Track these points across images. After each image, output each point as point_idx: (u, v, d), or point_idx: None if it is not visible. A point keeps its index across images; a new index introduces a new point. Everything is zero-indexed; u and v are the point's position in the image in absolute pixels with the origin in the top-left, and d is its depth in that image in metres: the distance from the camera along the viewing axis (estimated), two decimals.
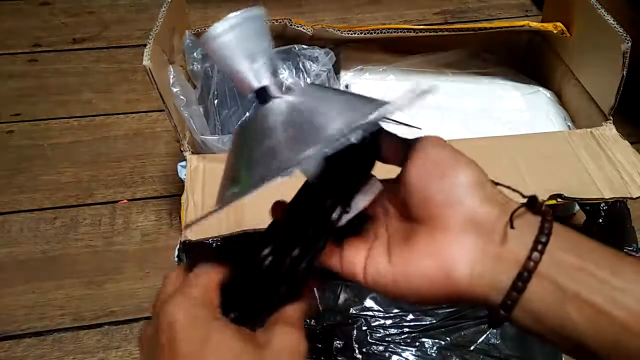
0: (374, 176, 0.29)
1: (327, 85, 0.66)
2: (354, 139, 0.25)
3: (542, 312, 0.23)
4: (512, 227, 0.24)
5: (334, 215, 0.27)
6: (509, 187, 0.27)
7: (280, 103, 0.27)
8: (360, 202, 0.28)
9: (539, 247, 0.23)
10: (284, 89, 0.29)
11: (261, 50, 0.28)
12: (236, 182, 0.26)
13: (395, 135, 0.29)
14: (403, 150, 0.28)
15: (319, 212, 0.27)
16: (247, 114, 0.64)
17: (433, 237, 0.25)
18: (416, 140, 0.28)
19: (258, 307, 0.27)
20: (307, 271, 0.27)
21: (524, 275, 0.23)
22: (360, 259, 0.28)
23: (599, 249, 0.24)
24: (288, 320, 0.27)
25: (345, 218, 0.27)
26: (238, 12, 0.27)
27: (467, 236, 0.25)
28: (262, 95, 0.27)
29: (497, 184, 0.27)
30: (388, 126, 0.29)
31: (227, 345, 0.24)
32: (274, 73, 0.29)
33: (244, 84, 0.28)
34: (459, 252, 0.25)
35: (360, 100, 0.27)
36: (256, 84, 0.27)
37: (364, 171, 0.29)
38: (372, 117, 0.24)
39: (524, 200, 0.25)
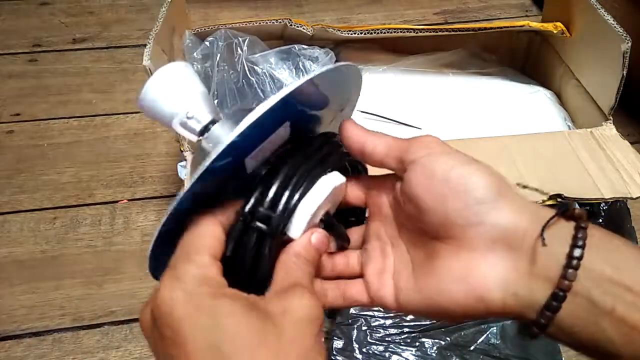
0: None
1: None
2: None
3: (577, 328, 0.22)
4: (544, 244, 0.22)
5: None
6: (536, 190, 0.27)
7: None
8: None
9: (574, 262, 0.22)
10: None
11: (183, 103, 0.30)
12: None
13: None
14: (394, 155, 0.27)
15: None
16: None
17: (458, 258, 0.24)
18: (410, 145, 0.27)
19: (252, 270, 0.26)
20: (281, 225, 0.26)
21: (559, 295, 0.22)
22: (388, 290, 0.27)
23: (634, 255, 0.22)
24: (299, 284, 0.25)
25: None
26: (156, 73, 0.29)
27: (495, 255, 0.23)
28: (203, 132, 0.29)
29: (519, 185, 0.26)
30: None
31: (242, 325, 0.21)
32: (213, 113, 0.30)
33: (190, 130, 0.30)
34: (489, 274, 0.23)
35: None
36: (192, 136, 0.29)
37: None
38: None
39: (548, 202, 0.24)
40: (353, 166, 0.31)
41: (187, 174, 0.55)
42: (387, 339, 0.56)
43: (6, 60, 0.91)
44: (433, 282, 0.25)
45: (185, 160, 0.56)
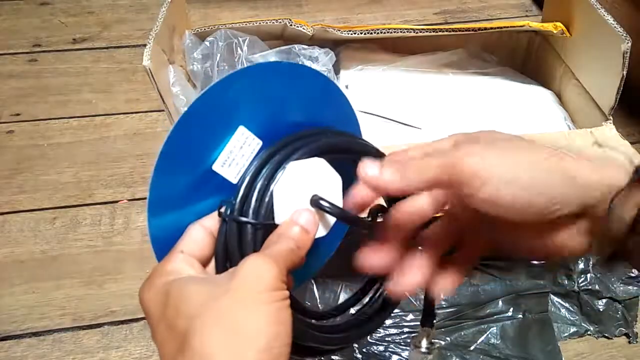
0: None
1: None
2: None
3: None
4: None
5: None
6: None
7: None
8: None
9: None
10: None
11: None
12: None
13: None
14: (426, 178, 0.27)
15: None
16: None
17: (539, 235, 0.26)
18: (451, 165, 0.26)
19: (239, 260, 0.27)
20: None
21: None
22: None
23: None
24: (267, 253, 0.27)
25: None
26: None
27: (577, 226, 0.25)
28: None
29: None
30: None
31: (189, 292, 0.25)
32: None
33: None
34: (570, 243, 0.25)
35: None
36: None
37: None
38: None
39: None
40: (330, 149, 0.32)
41: None
42: (387, 339, 0.56)
43: (6, 60, 0.91)
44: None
45: None
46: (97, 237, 0.66)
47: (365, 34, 0.65)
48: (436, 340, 0.56)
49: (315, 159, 0.29)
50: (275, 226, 0.28)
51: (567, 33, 0.64)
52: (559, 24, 0.64)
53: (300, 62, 0.65)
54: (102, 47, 0.94)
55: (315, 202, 0.29)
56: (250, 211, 0.28)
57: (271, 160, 0.29)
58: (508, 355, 0.55)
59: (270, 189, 0.28)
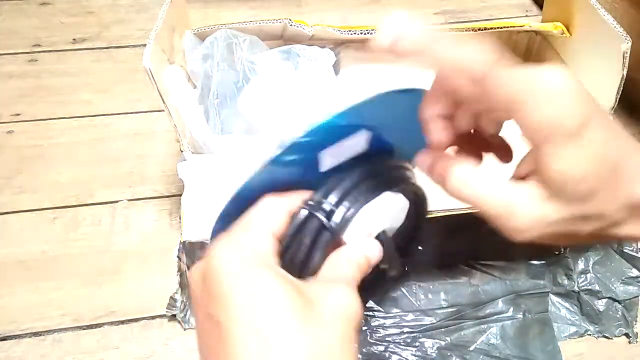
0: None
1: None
2: None
3: None
4: None
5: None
6: None
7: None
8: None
9: None
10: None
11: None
12: None
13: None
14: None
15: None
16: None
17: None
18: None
19: (305, 259, 0.28)
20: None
21: None
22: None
23: None
24: (344, 278, 0.26)
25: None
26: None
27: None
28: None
29: None
30: None
31: (282, 303, 0.22)
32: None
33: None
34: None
35: None
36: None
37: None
38: None
39: None
40: (415, 196, 0.31)
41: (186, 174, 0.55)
42: (387, 339, 0.56)
43: (6, 60, 0.91)
44: None
45: (185, 160, 0.56)
46: (97, 237, 0.66)
47: (365, 34, 0.65)
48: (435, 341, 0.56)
49: (401, 195, 0.30)
50: (340, 241, 0.28)
51: (567, 33, 0.64)
52: (559, 24, 0.64)
53: (300, 62, 0.65)
54: (102, 47, 0.94)
55: (383, 240, 0.29)
56: (334, 218, 0.27)
57: (373, 179, 0.28)
58: (508, 355, 0.55)
59: (361, 207, 0.28)
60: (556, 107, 0.22)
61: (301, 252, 0.27)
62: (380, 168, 0.29)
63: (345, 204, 0.28)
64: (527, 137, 0.23)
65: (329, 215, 0.27)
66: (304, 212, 0.27)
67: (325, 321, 0.23)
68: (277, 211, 0.27)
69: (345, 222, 0.28)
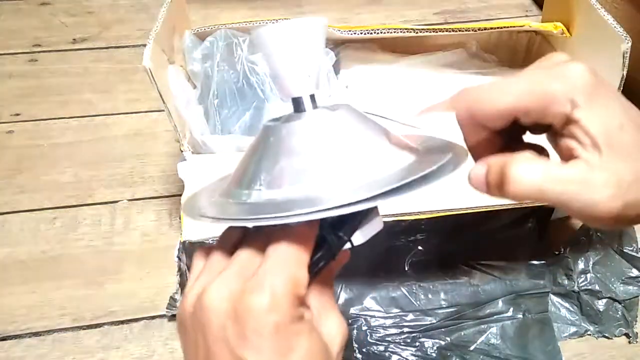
0: (379, 213, 0.29)
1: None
2: (375, 203, 0.25)
3: None
4: None
5: (335, 247, 0.28)
6: None
7: (315, 121, 0.27)
8: (360, 238, 0.28)
9: None
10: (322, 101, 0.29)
11: (311, 60, 0.28)
12: (246, 190, 0.27)
13: None
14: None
15: (322, 243, 0.27)
16: (247, 114, 0.64)
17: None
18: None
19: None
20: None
21: None
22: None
23: None
24: (334, 307, 0.27)
25: (345, 247, 0.28)
26: (302, 19, 0.27)
27: None
28: (298, 105, 0.28)
29: None
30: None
31: (310, 350, 0.24)
32: (317, 85, 0.29)
33: (284, 89, 0.28)
34: None
35: (393, 145, 0.28)
36: (295, 93, 0.28)
37: (370, 212, 0.29)
38: (397, 185, 0.25)
39: None
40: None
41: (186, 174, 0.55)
42: (387, 339, 0.56)
43: (6, 60, 0.91)
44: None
45: (185, 160, 0.56)
46: (97, 237, 0.66)
47: (365, 34, 0.65)
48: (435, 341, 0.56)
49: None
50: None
51: (567, 33, 0.64)
52: (559, 24, 0.64)
53: None
54: (102, 47, 0.94)
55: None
56: (347, 226, 0.28)
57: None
58: (508, 355, 0.55)
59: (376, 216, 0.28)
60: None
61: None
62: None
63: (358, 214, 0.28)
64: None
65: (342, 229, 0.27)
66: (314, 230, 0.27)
67: (335, 357, 0.25)
68: (309, 244, 0.26)
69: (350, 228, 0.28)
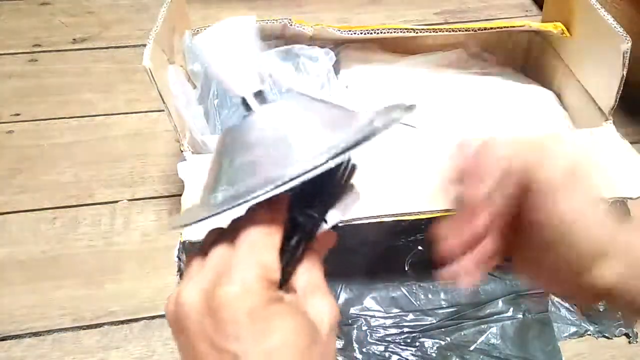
0: (353, 187, 0.29)
1: (324, 86, 0.66)
2: (333, 163, 0.24)
3: None
4: None
5: (310, 228, 0.28)
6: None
7: (262, 115, 0.28)
8: (336, 216, 0.28)
9: None
10: (277, 92, 0.30)
11: (246, 59, 0.29)
12: (213, 194, 0.27)
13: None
14: (526, 172, 0.29)
15: (296, 225, 0.27)
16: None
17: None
18: (542, 161, 0.28)
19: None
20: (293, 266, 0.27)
21: None
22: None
23: None
24: (322, 286, 0.27)
25: (322, 229, 0.28)
26: (228, 19, 0.28)
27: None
28: (245, 103, 0.29)
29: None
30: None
31: (290, 332, 0.24)
32: (261, 82, 0.30)
33: (229, 91, 0.29)
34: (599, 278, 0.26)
35: (343, 117, 0.28)
36: (238, 93, 0.28)
37: (342, 187, 0.29)
38: (351, 142, 0.24)
39: None
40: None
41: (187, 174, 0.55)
42: (387, 339, 0.56)
43: (6, 60, 0.91)
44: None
45: (185, 160, 0.56)
46: (97, 237, 0.66)
47: (365, 34, 0.65)
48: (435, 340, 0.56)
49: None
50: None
51: (567, 33, 0.64)
52: (559, 24, 0.64)
53: (300, 62, 0.65)
54: (102, 47, 0.94)
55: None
56: (317, 204, 0.28)
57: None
58: (508, 355, 0.55)
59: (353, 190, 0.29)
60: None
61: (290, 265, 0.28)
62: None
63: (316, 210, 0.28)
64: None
65: (312, 205, 0.28)
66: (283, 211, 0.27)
67: (325, 338, 0.25)
68: (278, 228, 0.26)
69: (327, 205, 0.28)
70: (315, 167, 0.24)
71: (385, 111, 0.29)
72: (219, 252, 0.26)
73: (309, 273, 0.27)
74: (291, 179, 0.23)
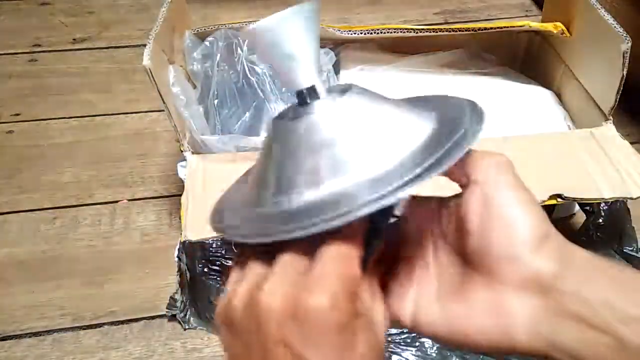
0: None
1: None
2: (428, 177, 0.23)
3: None
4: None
5: (381, 230, 0.27)
6: None
7: (330, 110, 0.26)
8: (376, 246, 0.27)
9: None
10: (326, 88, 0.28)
11: (307, 49, 0.27)
12: (279, 197, 0.26)
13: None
14: (464, 168, 0.27)
15: (372, 229, 0.27)
16: (247, 114, 0.64)
17: (491, 290, 0.25)
18: (478, 161, 0.27)
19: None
20: None
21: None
22: (407, 305, 0.27)
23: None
24: (378, 293, 0.27)
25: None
26: (289, 8, 0.26)
27: (526, 294, 0.24)
28: (307, 95, 0.27)
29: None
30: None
31: (372, 344, 0.24)
32: (319, 73, 0.28)
33: (288, 83, 0.27)
34: (519, 312, 0.24)
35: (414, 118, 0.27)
36: (298, 85, 0.27)
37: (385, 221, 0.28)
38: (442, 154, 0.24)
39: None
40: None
41: (186, 174, 0.55)
42: (387, 339, 0.56)
43: (6, 60, 0.91)
44: (461, 309, 0.26)
45: (185, 160, 0.56)
46: (97, 237, 0.66)
47: (365, 34, 0.65)
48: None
49: None
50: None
51: (567, 33, 0.64)
52: (559, 24, 0.64)
53: None
54: (102, 47, 0.94)
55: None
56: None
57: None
58: (508, 356, 0.55)
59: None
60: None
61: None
62: None
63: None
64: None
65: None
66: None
67: (383, 341, 0.26)
68: (360, 235, 0.25)
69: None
70: (413, 183, 0.23)
71: (471, 113, 0.28)
72: (291, 258, 0.25)
73: (370, 280, 0.27)
74: (388, 195, 0.23)
